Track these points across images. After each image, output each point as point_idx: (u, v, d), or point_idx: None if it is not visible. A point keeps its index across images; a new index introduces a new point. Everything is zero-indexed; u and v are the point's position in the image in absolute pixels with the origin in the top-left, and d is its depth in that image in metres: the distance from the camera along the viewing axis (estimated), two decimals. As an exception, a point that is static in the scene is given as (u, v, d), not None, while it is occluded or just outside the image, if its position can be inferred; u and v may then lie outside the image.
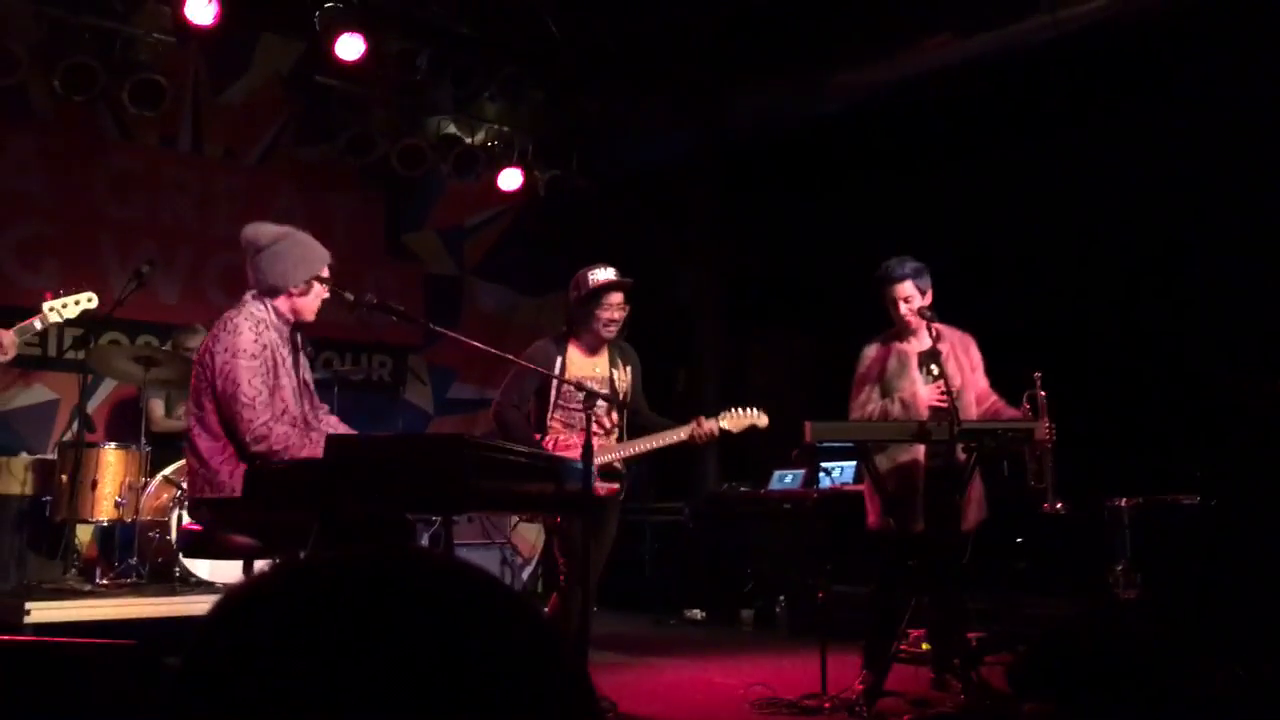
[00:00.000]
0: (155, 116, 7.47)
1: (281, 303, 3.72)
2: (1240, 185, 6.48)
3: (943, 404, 4.53)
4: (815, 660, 4.67)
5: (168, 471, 6.16)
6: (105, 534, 6.53)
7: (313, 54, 7.92)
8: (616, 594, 7.09)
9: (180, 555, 5.66)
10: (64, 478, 6.06)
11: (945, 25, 7.22)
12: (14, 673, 1.87)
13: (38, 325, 4.56)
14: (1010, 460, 4.83)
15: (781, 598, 7.24)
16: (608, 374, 4.69)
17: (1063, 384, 4.79)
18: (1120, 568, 5.60)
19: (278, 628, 0.68)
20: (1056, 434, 4.59)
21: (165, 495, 6.14)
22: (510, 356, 4.42)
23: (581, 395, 4.09)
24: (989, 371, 4.97)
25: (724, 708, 4.75)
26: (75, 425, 6.48)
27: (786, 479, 7.75)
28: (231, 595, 0.72)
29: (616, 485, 4.62)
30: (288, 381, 3.67)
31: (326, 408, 4.04)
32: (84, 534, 6.50)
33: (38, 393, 7.31)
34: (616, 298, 4.63)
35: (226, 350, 3.55)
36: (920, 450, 4.70)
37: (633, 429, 4.73)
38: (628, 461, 4.70)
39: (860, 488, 5.20)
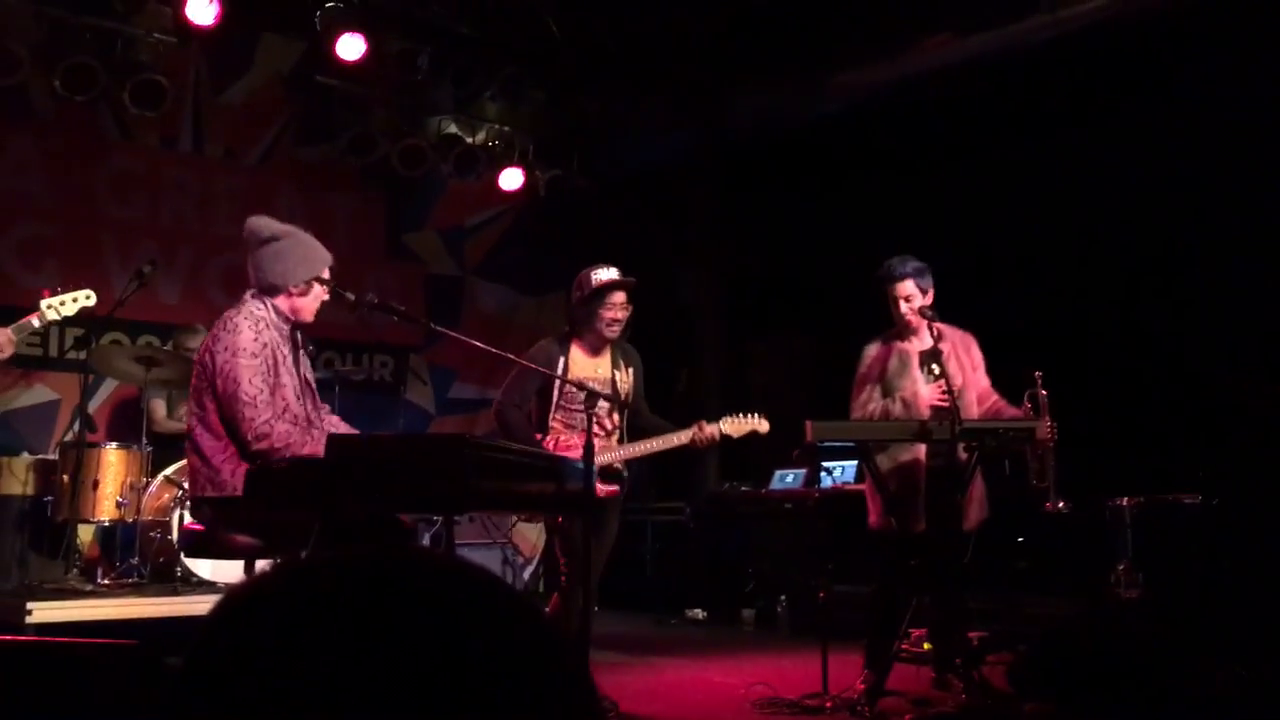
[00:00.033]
0: (156, 117, 7.47)
1: (281, 302, 3.72)
2: (1240, 185, 6.47)
3: (944, 403, 4.53)
4: (817, 660, 4.67)
5: (169, 471, 6.16)
6: (107, 534, 6.54)
7: (313, 54, 7.92)
8: (618, 594, 7.09)
9: (182, 555, 5.66)
10: (65, 478, 6.06)
11: (945, 25, 7.23)
12: (16, 673, 1.87)
13: (35, 323, 4.56)
14: (1011, 460, 4.82)
15: (783, 597, 7.24)
16: (610, 375, 4.69)
17: (1064, 383, 4.78)
18: (1121, 567, 5.60)
19: (279, 628, 0.68)
20: (1058, 433, 4.59)
21: (167, 495, 6.14)
22: (511, 356, 4.42)
23: (583, 395, 4.10)
24: (990, 371, 4.97)
25: (725, 707, 4.75)
26: (76, 425, 6.49)
27: (788, 479, 7.75)
28: (233, 595, 0.72)
29: (616, 487, 4.62)
30: (289, 380, 3.67)
31: (328, 407, 4.04)
32: (85, 534, 6.50)
33: (39, 393, 7.31)
34: (619, 297, 4.63)
35: (226, 349, 3.55)
36: (921, 450, 4.70)
37: (633, 431, 4.72)
38: (628, 462, 4.70)
39: (861, 487, 5.21)
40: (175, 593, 5.68)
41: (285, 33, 8.06)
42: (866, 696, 4.41)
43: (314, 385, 3.88)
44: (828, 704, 4.52)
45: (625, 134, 9.11)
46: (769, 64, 8.08)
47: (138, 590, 5.75)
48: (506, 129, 8.96)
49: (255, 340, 3.57)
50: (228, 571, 5.40)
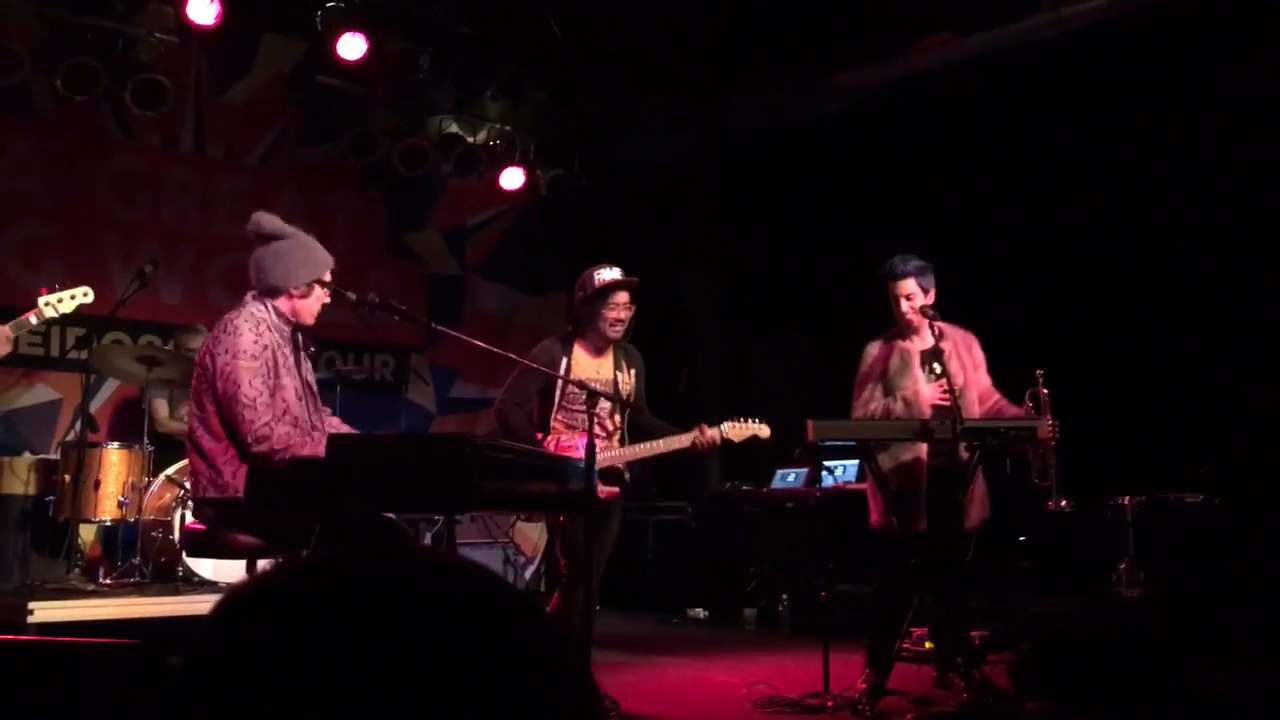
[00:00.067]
0: (157, 117, 7.47)
1: (282, 303, 3.72)
2: (1240, 185, 6.47)
3: (945, 402, 4.52)
4: (818, 659, 4.67)
5: (170, 471, 6.16)
6: (108, 534, 6.54)
7: (314, 54, 7.93)
8: (619, 593, 7.09)
9: (183, 554, 5.67)
10: (67, 477, 6.07)
11: (945, 25, 7.23)
12: (17, 672, 1.87)
13: (33, 320, 4.56)
14: (1013, 459, 4.82)
15: (784, 597, 7.24)
16: (612, 375, 4.69)
17: (1065, 382, 4.78)
18: (1123, 566, 5.60)
19: (280, 627, 0.68)
20: (1059, 432, 4.59)
21: (168, 495, 6.14)
22: (513, 356, 4.42)
23: (585, 396, 4.10)
24: (991, 370, 4.97)
25: (727, 707, 4.76)
26: (78, 425, 6.49)
27: (789, 478, 7.75)
28: (234, 595, 0.72)
29: (617, 489, 4.62)
30: (289, 382, 3.67)
31: (329, 410, 4.04)
32: (87, 534, 6.50)
33: (40, 393, 7.32)
34: (622, 297, 4.63)
35: (227, 351, 3.55)
36: (923, 449, 4.70)
37: (634, 432, 4.72)
38: (630, 463, 4.70)
39: (863, 486, 5.20)
40: (177, 592, 5.68)
41: (286, 33, 8.06)
42: (868, 696, 4.41)
43: (315, 388, 3.88)
44: (829, 703, 4.52)
45: (626, 134, 9.12)
46: (769, 64, 8.08)
47: (139, 590, 5.75)
48: (507, 129, 8.96)
49: (255, 342, 3.57)
50: (229, 571, 5.39)
